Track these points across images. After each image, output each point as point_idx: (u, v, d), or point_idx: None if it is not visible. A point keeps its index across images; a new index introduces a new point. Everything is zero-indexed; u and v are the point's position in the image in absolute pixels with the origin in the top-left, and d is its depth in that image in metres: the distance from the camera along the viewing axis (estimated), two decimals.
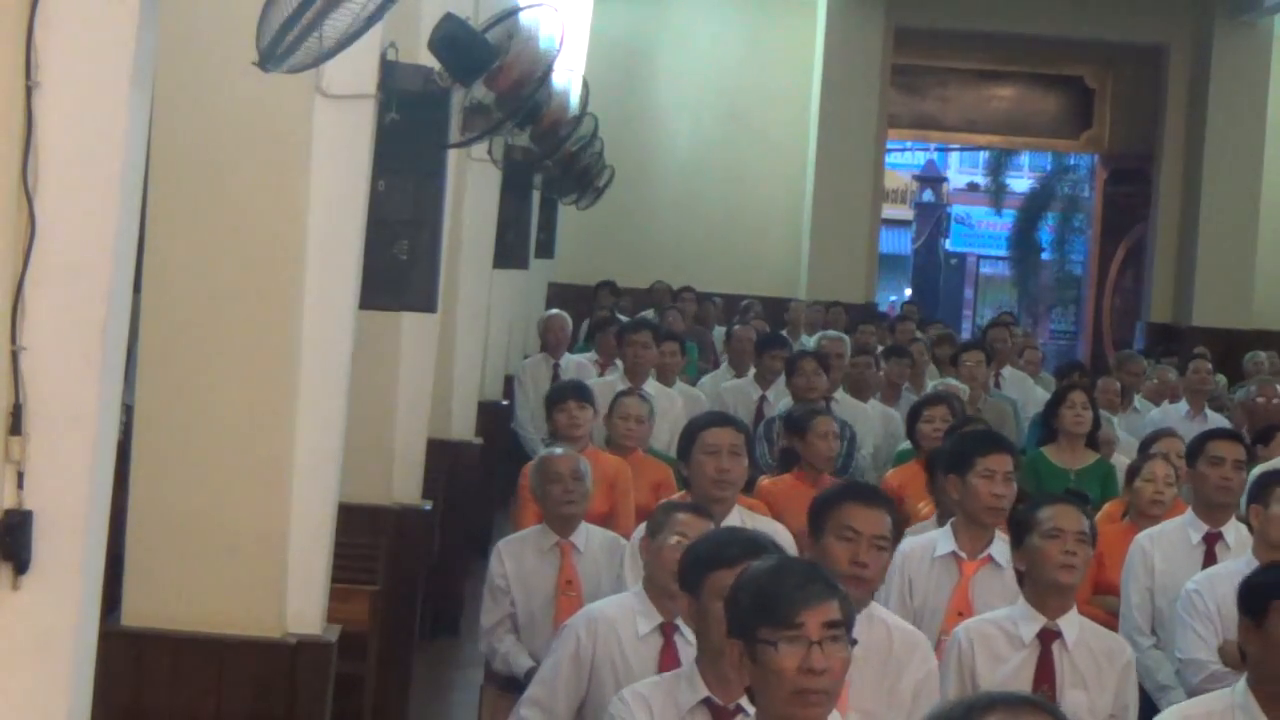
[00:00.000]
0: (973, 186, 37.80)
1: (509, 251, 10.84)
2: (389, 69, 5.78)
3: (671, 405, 9.69)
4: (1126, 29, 19.25)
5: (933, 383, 10.52)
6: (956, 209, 38.18)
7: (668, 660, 4.68)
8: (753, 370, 11.07)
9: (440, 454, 9.19)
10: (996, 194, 34.48)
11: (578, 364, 11.86)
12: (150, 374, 5.27)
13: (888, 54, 19.00)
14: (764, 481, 7.52)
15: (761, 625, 3.41)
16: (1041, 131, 21.19)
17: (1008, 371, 12.19)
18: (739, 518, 5.80)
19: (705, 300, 16.33)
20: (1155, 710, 5.48)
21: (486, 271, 10.47)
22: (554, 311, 12.67)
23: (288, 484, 5.28)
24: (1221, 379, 12.49)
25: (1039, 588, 4.99)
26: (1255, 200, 18.68)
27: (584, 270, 17.80)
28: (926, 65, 20.25)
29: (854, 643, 3.50)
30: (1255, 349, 13.87)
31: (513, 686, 5.78)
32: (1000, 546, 5.84)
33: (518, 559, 6.10)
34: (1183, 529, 6.55)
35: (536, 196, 12.43)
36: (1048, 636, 4.96)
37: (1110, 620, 6.23)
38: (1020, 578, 5.08)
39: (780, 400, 10.10)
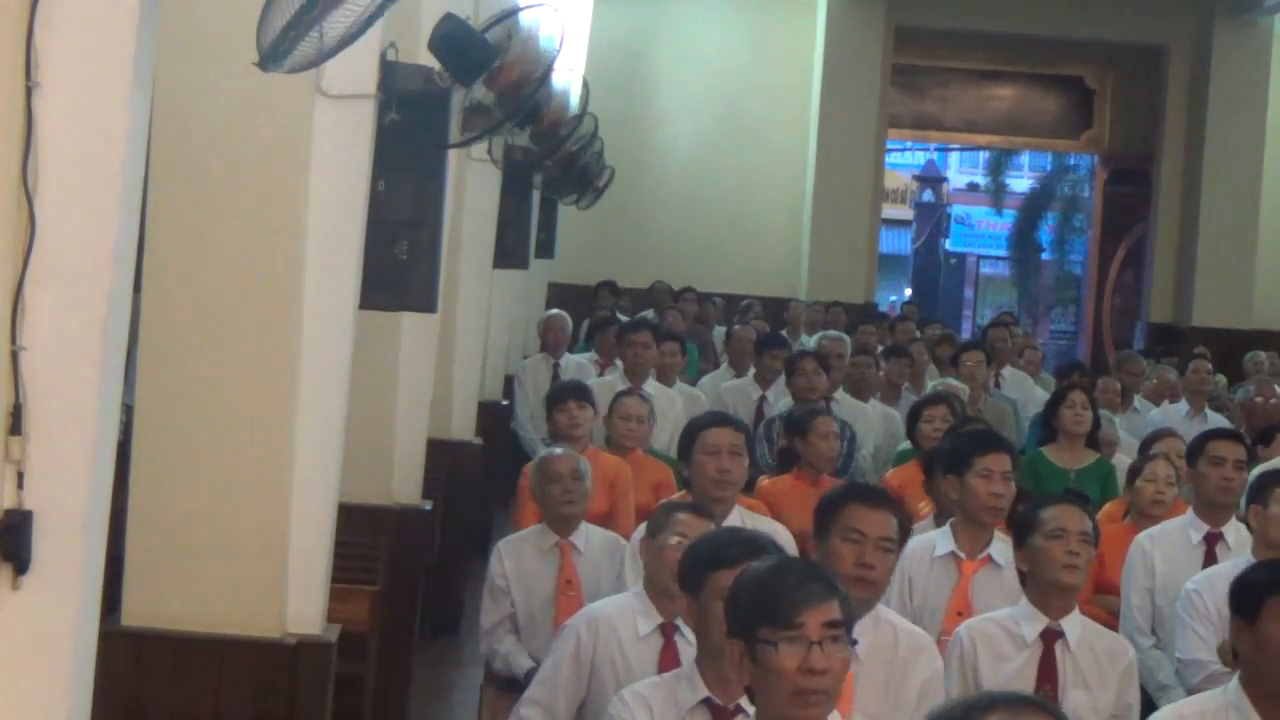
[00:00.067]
0: (973, 186, 37.80)
1: (509, 251, 10.84)
2: (389, 69, 5.78)
3: (671, 405, 9.69)
4: (1126, 29, 19.26)
5: (933, 383, 10.52)
6: (956, 209, 38.17)
7: (668, 660, 4.68)
8: (752, 370, 11.07)
9: (440, 454, 9.19)
10: (996, 194, 34.47)
11: (578, 364, 11.86)
12: (150, 374, 5.27)
13: (888, 54, 19.00)
14: (764, 482, 7.52)
15: (761, 625, 3.41)
16: (1041, 131, 21.20)
17: (1008, 371, 12.19)
18: (739, 518, 5.80)
19: (705, 300, 16.33)
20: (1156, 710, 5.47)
21: (486, 271, 10.47)
22: (554, 311, 12.67)
23: (288, 484, 5.28)
24: (1221, 379, 12.49)
25: (1042, 588, 4.99)
26: (1255, 200, 18.68)
27: (584, 270, 17.80)
28: (926, 65, 20.25)
29: (854, 643, 3.50)
30: (1255, 349, 13.88)
31: (513, 686, 5.78)
32: (999, 546, 5.84)
33: (518, 559, 6.10)
34: (1183, 529, 6.55)
35: (536, 196, 12.43)
36: (1050, 637, 4.96)
37: (1111, 620, 6.24)
38: (1023, 578, 5.08)
39: (780, 400, 10.10)
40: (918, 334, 14.03)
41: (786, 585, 3.45)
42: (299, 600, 5.34)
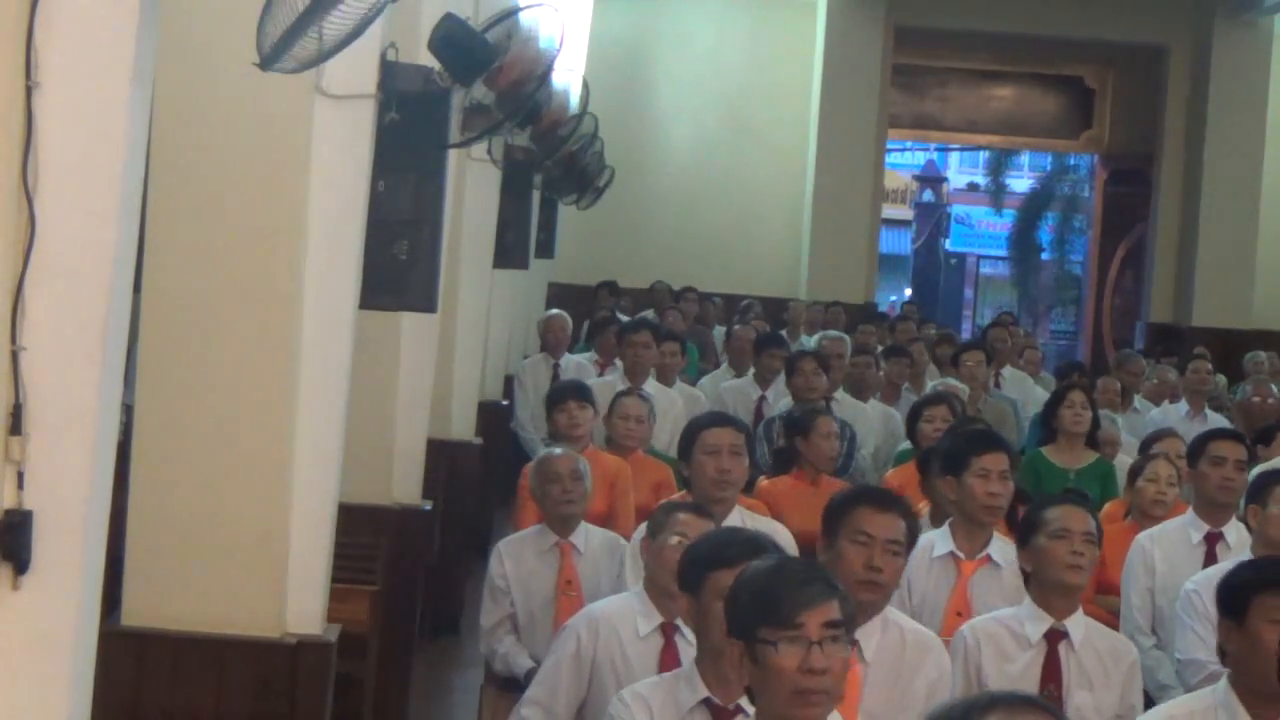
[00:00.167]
0: (973, 186, 37.81)
1: (509, 251, 10.83)
2: (389, 69, 5.78)
3: (671, 405, 9.69)
4: (1126, 29, 19.25)
5: (932, 383, 10.52)
6: (956, 209, 38.18)
7: (668, 660, 4.68)
8: (752, 370, 11.07)
9: (440, 454, 9.19)
10: (996, 194, 34.48)
11: (578, 364, 11.86)
12: (150, 374, 5.27)
13: (888, 54, 19.00)
14: (763, 482, 7.51)
15: (761, 625, 3.41)
16: (1041, 131, 21.20)
17: (1008, 371, 12.20)
18: (739, 518, 5.80)
19: (705, 300, 16.34)
20: None
21: (486, 271, 10.47)
22: (554, 311, 12.66)
23: (288, 484, 5.28)
24: (1221, 379, 12.49)
25: (1046, 588, 4.99)
26: (1255, 200, 18.68)
27: (584, 270, 17.80)
28: (926, 65, 20.25)
29: (854, 643, 3.50)
30: (1255, 349, 13.87)
31: (513, 686, 5.78)
32: (998, 546, 5.84)
33: (517, 559, 6.10)
34: (1184, 529, 6.56)
35: (536, 196, 12.42)
36: (1054, 637, 4.96)
37: (1111, 620, 6.24)
38: (1026, 578, 5.08)
39: (780, 400, 10.10)
40: (932, 332, 14.03)
41: (786, 585, 3.45)
42: (299, 600, 5.34)
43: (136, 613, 5.24)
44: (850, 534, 4.54)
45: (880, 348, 11.99)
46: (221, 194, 5.24)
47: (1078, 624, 4.99)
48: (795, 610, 3.40)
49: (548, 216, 14.18)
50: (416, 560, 8.14)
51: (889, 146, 22.18)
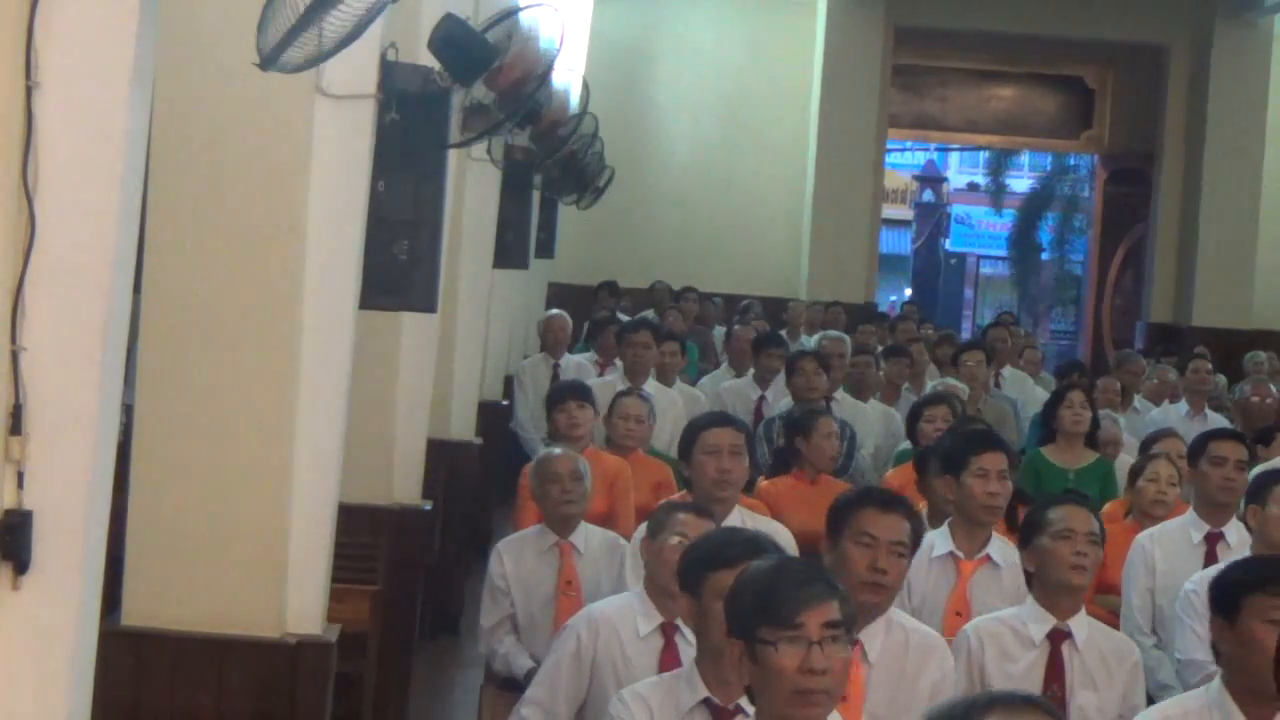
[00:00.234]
0: (973, 186, 37.81)
1: (509, 251, 10.83)
2: (389, 69, 5.78)
3: (671, 405, 9.69)
4: (1126, 29, 19.25)
5: (932, 383, 10.52)
6: (956, 209, 38.18)
7: (668, 660, 4.68)
8: (751, 370, 11.07)
9: (440, 454, 9.19)
10: (996, 194, 34.49)
11: (578, 364, 11.85)
12: (150, 374, 5.27)
13: (888, 54, 19.00)
14: (763, 482, 7.51)
15: (761, 625, 3.41)
16: (1041, 131, 21.19)
17: (1008, 371, 12.20)
18: (740, 518, 5.80)
19: (705, 300, 16.34)
20: None
21: (486, 271, 10.47)
22: (554, 311, 12.66)
23: (288, 484, 5.28)
24: (1221, 379, 12.49)
25: (1049, 588, 4.99)
26: (1255, 200, 18.68)
27: (584, 270, 17.80)
28: (926, 65, 20.25)
29: (855, 643, 3.49)
30: (1255, 349, 13.87)
31: (513, 687, 5.78)
32: (998, 546, 5.84)
33: (517, 559, 6.10)
34: (1184, 529, 6.56)
35: (536, 196, 12.42)
36: (1058, 637, 4.96)
37: (1112, 619, 6.24)
38: (1029, 578, 5.08)
39: (779, 400, 10.10)
40: (929, 332, 14.03)
41: (786, 585, 3.45)
42: (299, 600, 5.34)
43: (136, 613, 5.24)
44: (854, 535, 4.53)
45: (880, 348, 11.99)
46: (221, 194, 5.24)
47: (1081, 624, 4.99)
48: (795, 610, 3.40)
49: (548, 216, 14.19)
50: (416, 560, 8.14)
51: (889, 146, 22.18)
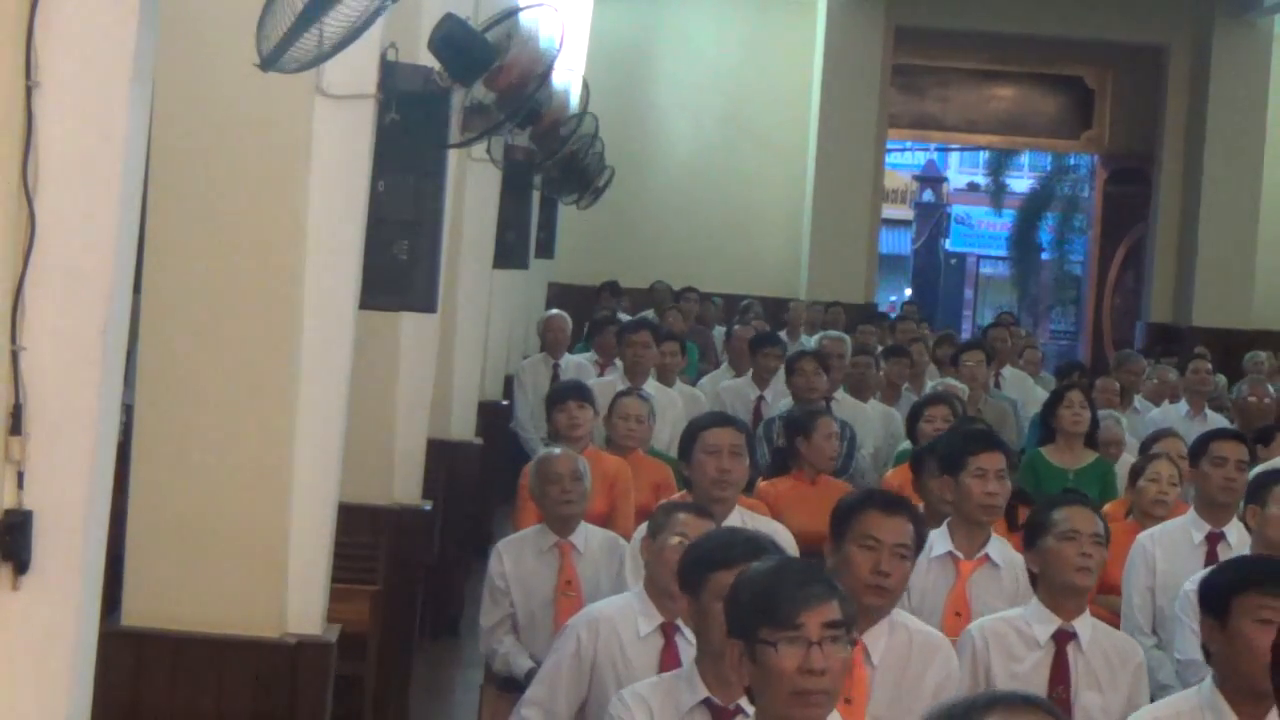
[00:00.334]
0: (973, 186, 37.82)
1: (509, 251, 10.83)
2: (389, 69, 5.78)
3: (671, 405, 9.69)
4: (1126, 29, 19.25)
5: (932, 383, 10.52)
6: (956, 209, 38.19)
7: (669, 660, 4.68)
8: (751, 370, 11.08)
9: (440, 454, 9.19)
10: (996, 194, 34.50)
11: (577, 364, 11.85)
12: (150, 374, 5.27)
13: (888, 54, 19.00)
14: (762, 483, 7.51)
15: (761, 626, 3.41)
16: (1041, 131, 21.19)
17: (1008, 371, 12.19)
18: (740, 518, 5.80)
19: (706, 300, 16.34)
20: None
21: (486, 271, 10.47)
22: (554, 312, 12.66)
23: (288, 484, 5.28)
24: (1221, 379, 12.49)
25: (1053, 589, 4.99)
26: (1255, 200, 18.68)
27: (584, 270, 17.80)
28: (926, 65, 20.25)
29: (855, 643, 3.49)
30: (1255, 349, 13.88)
31: (513, 687, 5.78)
32: (997, 546, 5.84)
33: (517, 559, 6.10)
34: (1185, 529, 6.56)
35: (536, 196, 12.42)
36: (1063, 638, 4.96)
37: (1112, 619, 6.24)
38: (1033, 579, 5.07)
39: (778, 400, 10.10)
40: (926, 331, 14.02)
41: (786, 586, 3.45)
42: (299, 600, 5.34)
43: (136, 613, 5.24)
44: (858, 538, 4.53)
45: (880, 348, 11.99)
46: (221, 194, 5.24)
47: (1085, 625, 4.99)
48: (795, 611, 3.41)
49: (548, 216, 14.19)
50: (416, 560, 8.14)
51: (889, 146, 22.17)
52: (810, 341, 13.12)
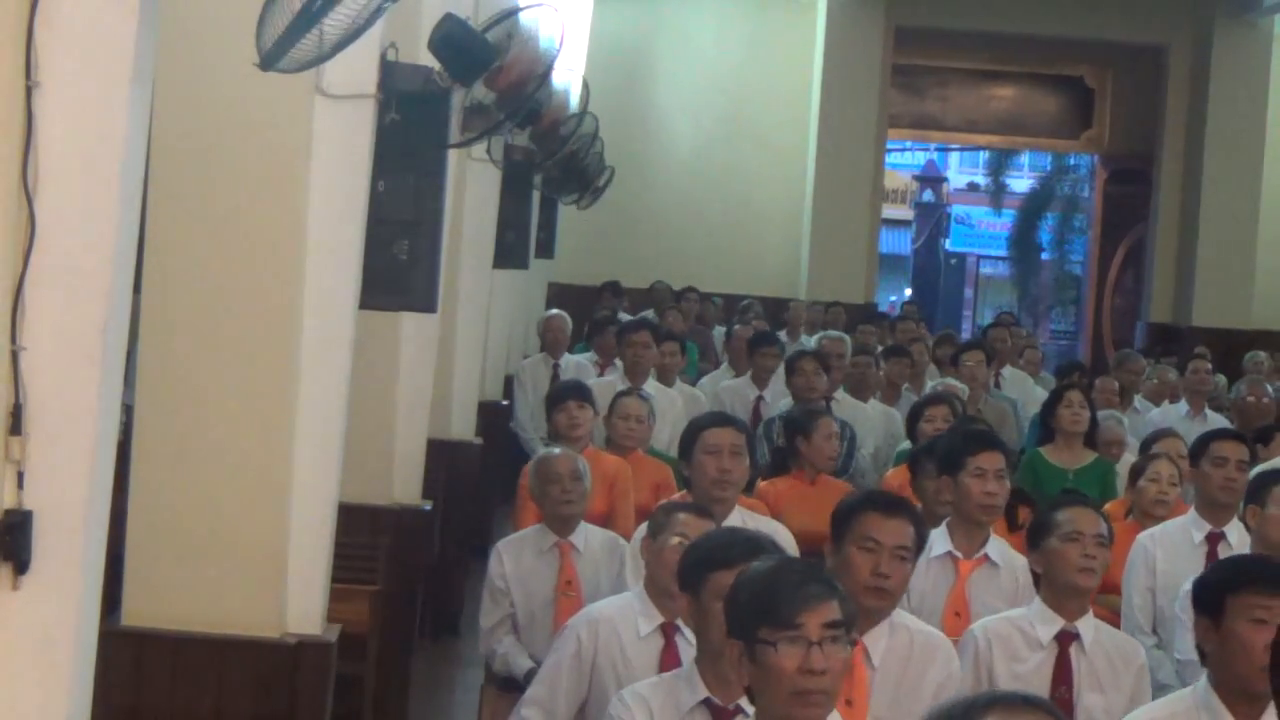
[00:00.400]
0: (973, 186, 37.81)
1: (509, 251, 10.83)
2: (389, 69, 5.78)
3: (671, 405, 9.69)
4: (1126, 29, 19.25)
5: (932, 383, 10.52)
6: (956, 209, 38.18)
7: (669, 660, 4.68)
8: (750, 370, 11.08)
9: (440, 454, 9.19)
10: (996, 194, 34.49)
11: (577, 364, 11.85)
12: (150, 374, 5.27)
13: (888, 54, 19.00)
14: (762, 483, 7.51)
15: (761, 626, 3.41)
16: (1041, 131, 21.19)
17: (1008, 371, 12.19)
18: (740, 518, 5.80)
19: (706, 300, 16.35)
20: None
21: (486, 271, 10.47)
22: (554, 312, 12.66)
23: (288, 484, 5.28)
24: (1221, 379, 12.49)
25: (1057, 590, 4.99)
26: (1255, 200, 18.68)
27: (584, 270, 17.80)
28: (926, 65, 20.25)
29: (854, 643, 3.49)
30: (1255, 349, 13.88)
31: (513, 687, 5.78)
32: (996, 546, 5.84)
33: (517, 559, 6.10)
34: (1185, 528, 6.56)
35: (536, 196, 12.42)
36: (1065, 639, 4.96)
37: (1113, 619, 6.24)
38: (1036, 579, 5.07)
39: (778, 400, 10.10)
40: (924, 331, 14.03)
41: (786, 586, 3.45)
42: (299, 600, 5.34)
43: (136, 613, 5.24)
44: (858, 540, 4.53)
45: (880, 348, 11.98)
46: (221, 194, 5.24)
47: (1088, 626, 4.99)
48: (795, 611, 3.40)
49: (548, 216, 14.19)
50: (416, 560, 8.15)
51: (889, 146, 22.17)
52: (810, 341, 13.12)
